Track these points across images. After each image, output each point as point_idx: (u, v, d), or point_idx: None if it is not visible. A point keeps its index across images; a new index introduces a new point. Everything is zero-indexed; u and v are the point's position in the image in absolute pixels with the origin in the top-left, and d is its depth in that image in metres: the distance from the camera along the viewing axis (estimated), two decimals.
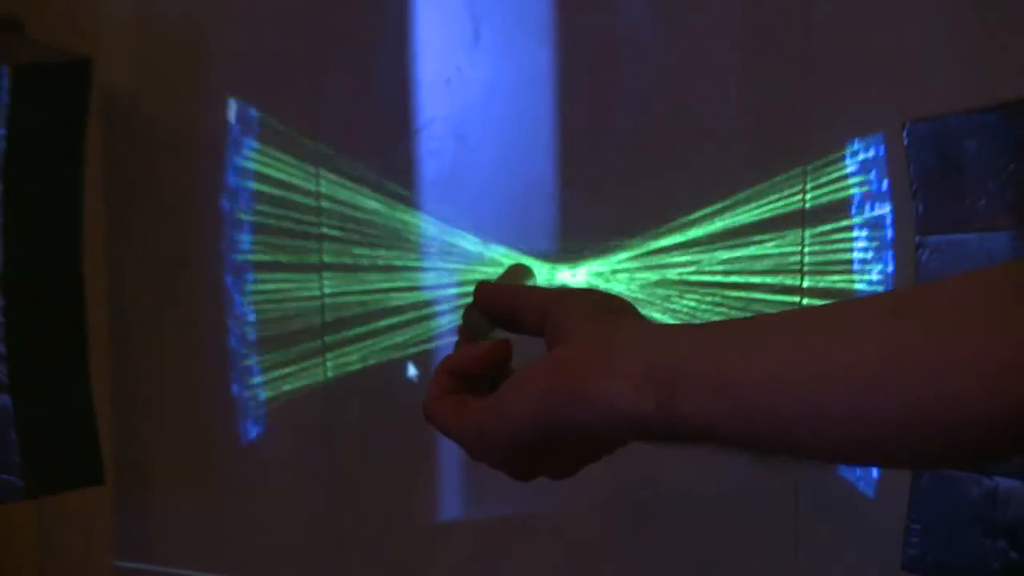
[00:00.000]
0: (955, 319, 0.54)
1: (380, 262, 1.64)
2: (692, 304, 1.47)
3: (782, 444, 0.58)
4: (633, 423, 0.60)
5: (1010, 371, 0.52)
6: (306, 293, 1.69)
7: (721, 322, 0.63)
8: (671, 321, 1.47)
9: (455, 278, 1.60)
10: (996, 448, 0.55)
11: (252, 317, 1.73)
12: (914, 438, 0.55)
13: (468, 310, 0.72)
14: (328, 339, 1.68)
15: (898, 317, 0.56)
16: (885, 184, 1.38)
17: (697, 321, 1.44)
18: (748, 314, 1.40)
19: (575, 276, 1.52)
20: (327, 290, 1.68)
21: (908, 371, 0.54)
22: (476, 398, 0.68)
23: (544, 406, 0.63)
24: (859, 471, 1.41)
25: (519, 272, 0.73)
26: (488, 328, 0.71)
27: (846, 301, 0.67)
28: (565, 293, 0.68)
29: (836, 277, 1.41)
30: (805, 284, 1.42)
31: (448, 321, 1.61)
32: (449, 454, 1.65)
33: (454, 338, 0.73)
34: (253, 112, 1.69)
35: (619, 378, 0.60)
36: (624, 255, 1.50)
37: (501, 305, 0.70)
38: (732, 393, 0.58)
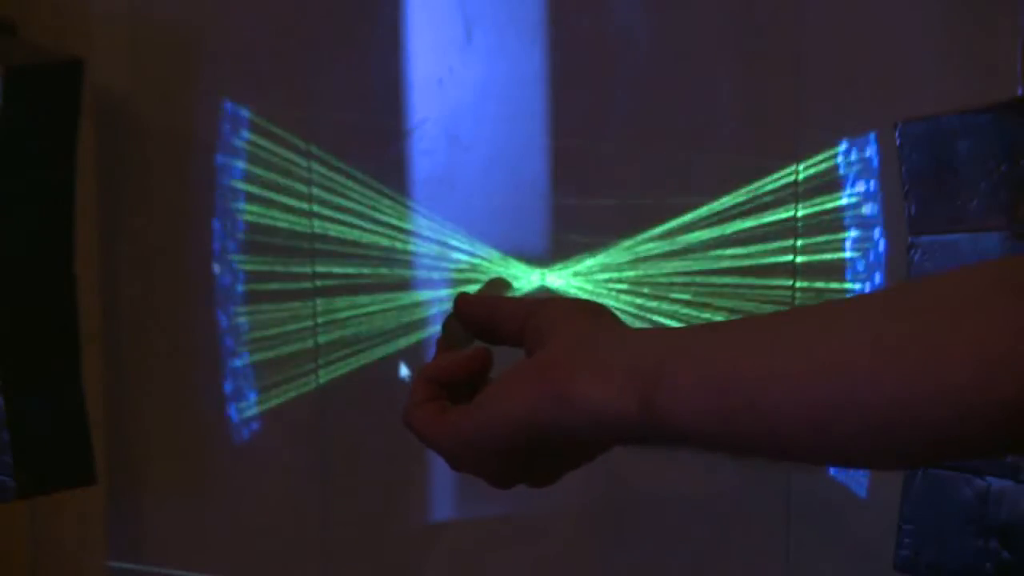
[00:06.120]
0: (944, 315, 0.54)
1: (371, 258, 1.64)
2: (683, 306, 1.47)
3: (766, 444, 0.58)
4: (615, 424, 0.60)
5: (999, 366, 0.52)
6: (298, 293, 1.69)
7: (704, 324, 0.63)
8: (662, 323, 1.47)
9: (446, 277, 1.60)
10: (984, 445, 0.54)
11: (244, 317, 1.73)
12: (902, 435, 0.54)
13: (447, 320, 0.72)
14: (320, 338, 1.68)
15: (887, 313, 0.56)
16: (877, 184, 1.38)
17: (687, 324, 1.44)
18: (739, 316, 1.40)
19: (565, 276, 1.52)
20: (319, 287, 1.67)
21: (897, 367, 0.54)
22: (456, 405, 0.68)
23: (527, 408, 0.62)
24: (851, 471, 1.41)
25: (499, 285, 0.73)
26: (467, 339, 0.71)
27: (834, 300, 0.67)
28: (544, 301, 0.68)
29: (828, 277, 1.41)
30: (797, 284, 1.42)
31: (439, 320, 1.61)
32: None
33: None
34: (245, 113, 1.69)
35: (601, 378, 0.60)
36: (615, 256, 1.50)
37: (481, 315, 0.70)
38: (716, 390, 0.57)
